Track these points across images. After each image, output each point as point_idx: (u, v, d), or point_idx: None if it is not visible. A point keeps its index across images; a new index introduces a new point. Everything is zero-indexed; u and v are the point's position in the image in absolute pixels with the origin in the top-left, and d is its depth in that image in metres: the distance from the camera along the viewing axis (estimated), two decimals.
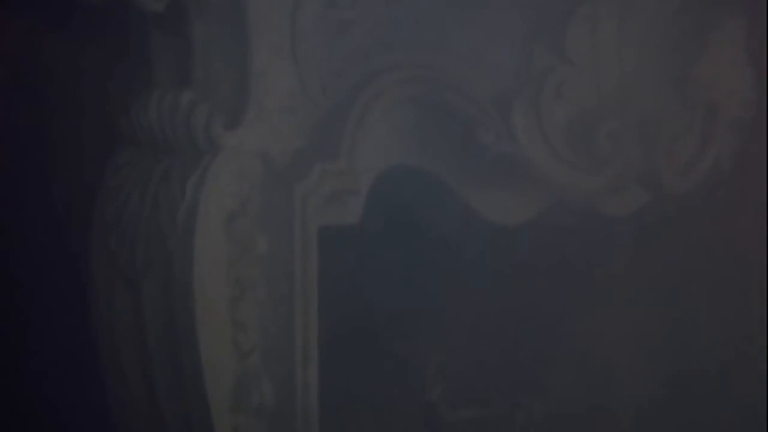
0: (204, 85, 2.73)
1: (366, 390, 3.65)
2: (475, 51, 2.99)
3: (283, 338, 2.97)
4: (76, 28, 3.21)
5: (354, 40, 2.83)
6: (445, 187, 3.12)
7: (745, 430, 3.70)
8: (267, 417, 2.99)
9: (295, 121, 2.78)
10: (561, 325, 3.98)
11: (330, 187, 2.81)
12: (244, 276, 3.01)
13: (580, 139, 3.10)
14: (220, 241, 2.78)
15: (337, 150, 2.78)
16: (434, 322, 3.82)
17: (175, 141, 2.77)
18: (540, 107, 2.97)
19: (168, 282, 2.93)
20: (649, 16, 3.12)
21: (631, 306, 4.12)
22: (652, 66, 3.18)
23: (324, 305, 3.10)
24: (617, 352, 4.09)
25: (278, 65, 2.72)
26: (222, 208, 2.75)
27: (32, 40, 3.38)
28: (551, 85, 2.99)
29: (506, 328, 3.91)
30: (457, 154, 3.00)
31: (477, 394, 3.73)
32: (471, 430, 3.64)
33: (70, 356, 3.41)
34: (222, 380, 3.01)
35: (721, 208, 3.71)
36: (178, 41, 2.75)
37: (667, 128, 3.25)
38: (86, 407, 3.32)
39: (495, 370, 3.77)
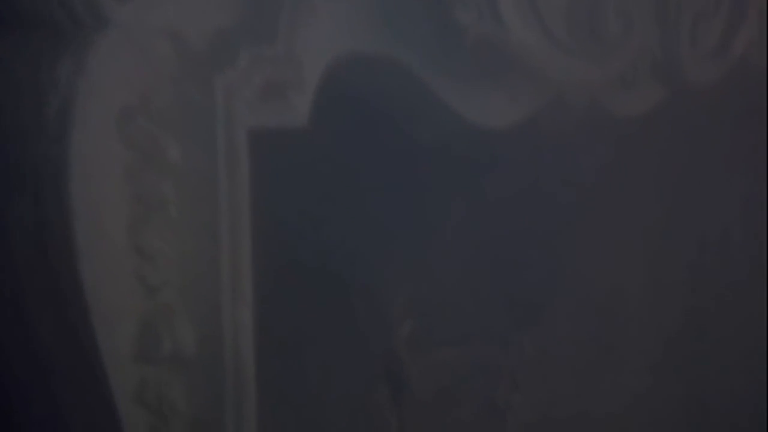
0: None
1: (314, 335, 3.11)
2: None
3: (206, 270, 2.57)
4: None
5: None
6: (415, 80, 2.82)
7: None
8: (185, 368, 2.60)
9: None
10: (558, 251, 3.58)
11: (263, 78, 2.42)
12: (148, 192, 2.52)
13: (583, 19, 2.71)
14: (111, 146, 2.36)
15: (273, 30, 2.41)
16: (402, 250, 3.27)
17: (49, 13, 2.37)
18: None
19: (39, 198, 2.44)
20: None
21: (640, 228, 3.71)
22: None
23: (260, 229, 2.65)
24: (623, 283, 3.75)
25: None
26: (111, 102, 2.34)
27: None
28: None
29: (492, 255, 3.49)
30: (430, 39, 2.68)
31: (455, 333, 3.38)
32: (448, 377, 3.32)
33: None
34: (121, 324, 2.55)
35: (746, 108, 3.39)
36: None
37: (689, 6, 2.83)
38: None
39: (477, 305, 3.44)
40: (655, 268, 3.80)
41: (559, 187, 3.51)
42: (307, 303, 3.04)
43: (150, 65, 2.40)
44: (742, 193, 3.87)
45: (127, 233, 2.50)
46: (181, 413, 2.64)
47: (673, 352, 3.88)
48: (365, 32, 2.70)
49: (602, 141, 3.41)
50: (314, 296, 3.05)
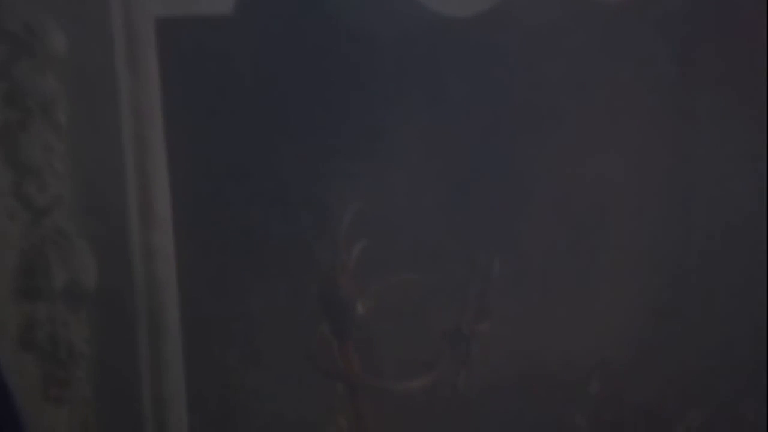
0: None
1: (248, 262, 2.70)
2: None
3: (108, 187, 2.17)
4: None
5: None
6: None
7: None
8: (85, 304, 2.21)
9: None
10: (532, 154, 3.15)
11: None
12: (25, 90, 1.94)
13: None
14: None
15: None
16: (350, 157, 2.83)
17: None
18: None
19: None
20: None
21: (627, 130, 3.28)
22: None
23: (174, 137, 2.23)
24: (606, 191, 3.38)
25: None
26: None
27: None
28: None
29: (458, 162, 3.08)
30: None
31: (413, 255, 2.99)
32: (406, 304, 2.94)
33: None
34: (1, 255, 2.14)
35: None
36: None
37: None
38: None
39: (441, 222, 3.03)
40: (645, 173, 3.35)
41: (529, 82, 3.08)
42: (238, 224, 2.60)
43: None
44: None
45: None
46: (82, 357, 2.22)
47: (662, 292, 3.59)
48: None
49: (580, 28, 2.93)
50: (245, 217, 2.60)
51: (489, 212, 3.08)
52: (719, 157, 3.47)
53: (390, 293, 2.85)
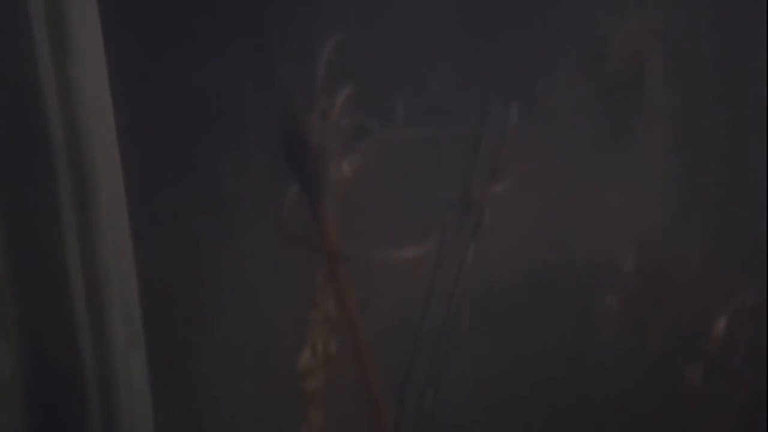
0: None
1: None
2: None
3: None
4: None
5: None
6: None
7: None
8: None
9: None
10: None
11: None
12: None
13: None
14: None
15: None
16: None
17: None
18: None
19: None
20: None
21: None
22: None
23: None
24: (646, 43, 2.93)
25: None
26: None
27: None
28: None
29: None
30: None
31: (414, 106, 2.43)
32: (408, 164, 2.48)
33: None
34: None
35: None
36: None
37: None
38: None
39: (447, 67, 2.53)
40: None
41: None
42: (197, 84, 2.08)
43: None
44: None
45: None
46: None
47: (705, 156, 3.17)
48: None
49: None
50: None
51: (506, 54, 2.53)
52: None
53: (383, 152, 2.33)
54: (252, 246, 2.38)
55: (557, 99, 2.84)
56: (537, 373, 3.28)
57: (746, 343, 3.50)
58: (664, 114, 3.16)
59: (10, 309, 1.96)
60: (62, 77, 1.82)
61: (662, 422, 3.34)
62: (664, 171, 3.22)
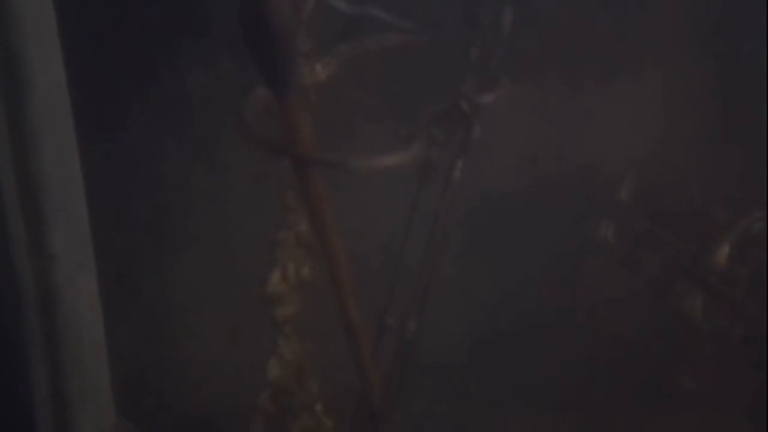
0: None
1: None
2: None
3: None
4: None
5: None
6: None
7: None
8: None
9: None
10: None
11: None
12: None
13: None
14: None
15: None
16: None
17: None
18: None
19: None
20: None
21: None
22: None
23: None
24: None
25: None
26: None
27: None
28: None
29: None
30: None
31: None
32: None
33: None
34: None
35: None
36: None
37: None
38: None
39: None
40: None
41: None
42: None
43: None
44: None
45: None
46: None
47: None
48: None
49: None
50: None
51: None
52: None
53: (364, 58, 2.10)
54: (218, 161, 2.16)
55: (556, 10, 2.63)
56: (527, 304, 3.13)
57: (748, 275, 3.35)
58: (667, 29, 2.97)
59: None
60: None
61: (658, 356, 3.19)
62: (667, 95, 3.03)
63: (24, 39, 1.60)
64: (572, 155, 3.02)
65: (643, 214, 3.39)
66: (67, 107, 1.75)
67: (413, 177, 2.24)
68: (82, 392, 1.88)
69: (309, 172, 1.93)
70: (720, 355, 3.20)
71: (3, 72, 1.59)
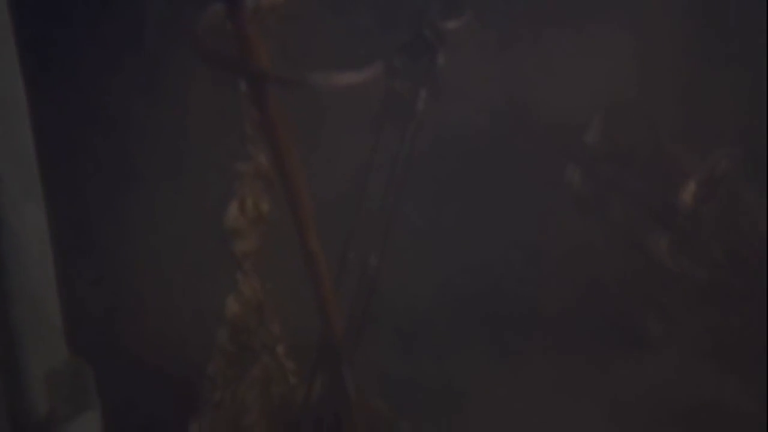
0: None
1: None
2: None
3: None
4: None
5: None
6: None
7: None
8: None
9: None
10: None
11: None
12: None
13: None
14: None
15: None
16: None
17: None
18: None
19: None
20: None
21: None
22: None
23: None
24: None
25: None
26: None
27: None
28: None
29: None
30: None
31: None
32: None
33: None
34: None
35: None
36: None
37: None
38: None
39: None
40: None
41: None
42: None
43: None
44: None
45: None
46: None
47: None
48: None
49: None
50: None
51: None
52: None
53: None
54: (173, 88, 2.07)
55: None
56: (495, 249, 3.08)
57: (714, 216, 3.30)
58: None
59: None
60: None
61: (625, 297, 3.15)
62: (634, 39, 2.98)
63: None
64: (539, 94, 2.96)
65: (609, 157, 3.35)
66: (9, 30, 1.67)
67: (375, 108, 2.17)
68: (31, 326, 1.80)
69: (265, 92, 1.84)
70: (685, 298, 3.17)
71: None
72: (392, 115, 2.14)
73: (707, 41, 3.10)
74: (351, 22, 2.20)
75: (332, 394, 2.33)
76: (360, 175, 2.24)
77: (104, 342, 2.21)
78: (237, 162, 2.03)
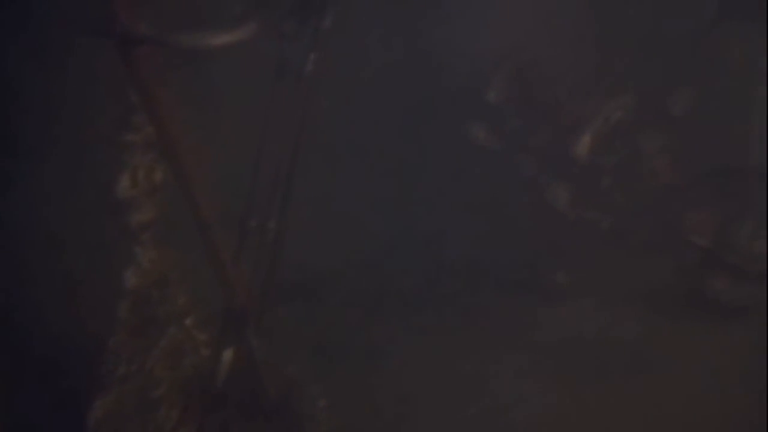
0: None
1: None
2: None
3: None
4: None
5: None
6: None
7: None
8: None
9: None
10: None
11: None
12: None
13: None
14: None
15: None
16: None
17: None
18: None
19: None
20: None
21: None
22: None
23: None
24: None
25: None
26: None
27: None
28: None
29: None
30: None
31: None
32: None
33: None
34: None
35: None
36: None
37: None
38: None
39: None
40: None
41: None
42: None
43: None
44: None
45: None
46: None
47: None
48: None
49: None
50: None
51: None
52: None
53: None
54: (57, 55, 1.97)
55: None
56: (403, 213, 3.04)
57: (613, 167, 3.30)
58: None
59: None
60: None
61: (527, 246, 3.13)
62: None
63: None
64: (437, 51, 2.90)
65: (512, 113, 3.32)
66: None
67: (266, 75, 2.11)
68: None
69: (137, 54, 1.76)
70: (588, 247, 3.16)
71: None
72: (283, 79, 2.10)
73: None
74: None
75: (241, 361, 2.28)
76: (257, 141, 2.19)
77: None
78: (125, 133, 1.97)
